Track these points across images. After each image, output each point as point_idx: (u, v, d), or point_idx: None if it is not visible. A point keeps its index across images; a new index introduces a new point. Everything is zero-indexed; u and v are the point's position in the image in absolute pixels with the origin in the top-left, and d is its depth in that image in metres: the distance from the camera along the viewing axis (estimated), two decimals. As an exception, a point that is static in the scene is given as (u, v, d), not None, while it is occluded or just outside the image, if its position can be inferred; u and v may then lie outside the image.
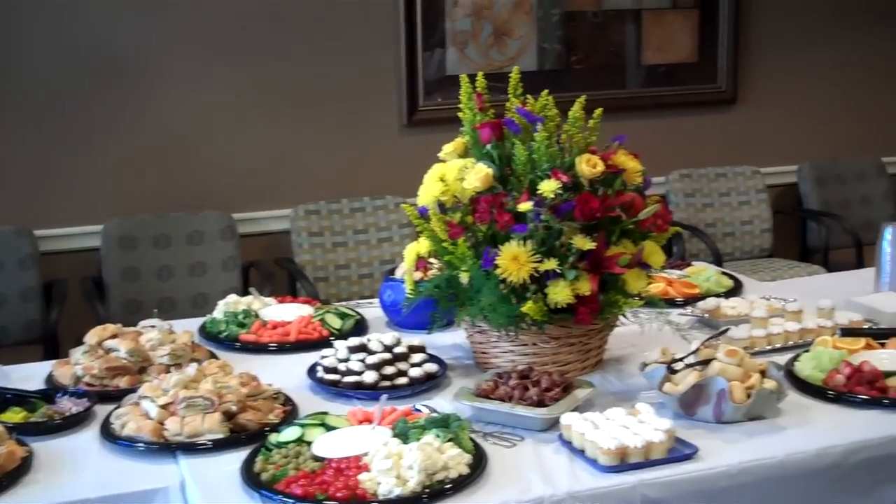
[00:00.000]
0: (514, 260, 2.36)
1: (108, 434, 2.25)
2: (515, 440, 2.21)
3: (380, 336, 2.57)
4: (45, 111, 4.30)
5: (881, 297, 3.00)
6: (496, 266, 2.36)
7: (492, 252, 2.38)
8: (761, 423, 2.26)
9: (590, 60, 5.07)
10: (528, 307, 2.36)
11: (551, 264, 2.35)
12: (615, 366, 2.62)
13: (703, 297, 3.07)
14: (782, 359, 2.55)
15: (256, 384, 2.38)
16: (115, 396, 2.41)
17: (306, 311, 2.98)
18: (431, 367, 2.53)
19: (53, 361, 2.67)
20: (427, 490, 1.96)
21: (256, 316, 2.93)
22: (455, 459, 2.03)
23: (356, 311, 3.00)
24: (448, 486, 1.98)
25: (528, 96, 2.60)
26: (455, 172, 2.51)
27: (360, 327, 2.91)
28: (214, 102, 4.52)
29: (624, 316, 2.57)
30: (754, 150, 5.40)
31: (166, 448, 2.18)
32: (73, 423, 2.32)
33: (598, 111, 2.58)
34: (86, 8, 4.28)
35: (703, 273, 3.25)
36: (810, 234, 5.38)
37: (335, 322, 2.89)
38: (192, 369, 2.40)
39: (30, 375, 2.63)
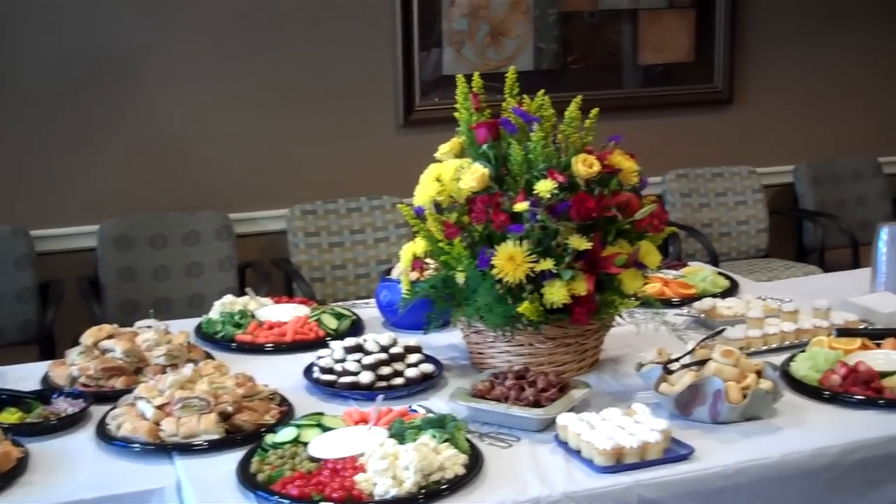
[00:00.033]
0: (510, 260, 2.36)
1: (104, 435, 2.24)
2: (511, 441, 2.21)
3: (376, 336, 2.57)
4: (42, 111, 4.29)
5: (877, 298, 3.00)
6: (492, 266, 2.36)
7: (488, 252, 2.38)
8: (757, 423, 2.27)
9: (586, 60, 5.07)
10: (524, 307, 2.36)
11: (547, 264, 2.35)
12: (611, 366, 2.62)
13: (699, 297, 3.07)
14: (778, 359, 2.55)
15: (252, 385, 2.38)
16: (111, 397, 2.41)
17: (302, 311, 2.98)
18: (428, 368, 2.52)
19: (49, 362, 2.67)
20: (423, 491, 1.96)
21: (253, 316, 2.93)
22: (451, 460, 2.03)
23: (352, 312, 3.00)
24: (444, 486, 1.98)
25: (525, 96, 2.60)
26: (451, 172, 2.51)
27: (357, 328, 2.91)
28: (211, 103, 4.51)
29: (620, 316, 2.58)
30: (751, 150, 5.40)
31: (162, 449, 2.18)
32: (68, 423, 2.32)
33: (595, 111, 2.58)
34: (83, 9, 4.28)
35: (700, 273, 3.26)
36: (806, 235, 5.39)
37: (331, 322, 2.89)
38: (188, 370, 2.39)
39: (26, 376, 2.62)
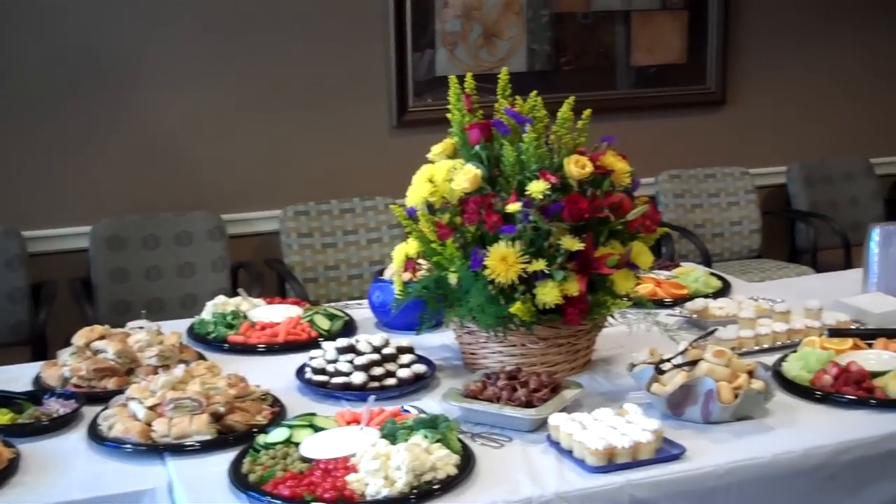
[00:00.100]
0: (502, 261, 2.36)
1: (96, 435, 2.24)
2: (503, 441, 2.21)
3: (368, 337, 2.57)
4: (35, 112, 4.29)
5: (869, 298, 3.01)
6: (485, 267, 2.36)
7: (480, 253, 2.38)
8: (749, 423, 2.27)
9: (579, 62, 5.08)
10: (516, 308, 2.36)
11: (540, 265, 2.35)
12: (603, 366, 2.62)
13: (691, 297, 3.08)
14: (770, 359, 2.56)
15: (244, 385, 2.37)
16: (103, 398, 2.41)
17: (295, 312, 2.97)
18: (420, 368, 2.53)
19: (41, 363, 2.67)
20: (415, 491, 1.96)
21: (245, 317, 2.93)
22: (443, 460, 2.03)
23: (345, 312, 3.00)
24: (436, 486, 1.98)
25: (518, 97, 2.60)
26: (444, 173, 2.51)
27: (349, 328, 2.90)
28: (203, 103, 4.51)
29: (612, 317, 2.58)
30: (743, 150, 5.41)
31: (154, 449, 2.18)
32: (60, 424, 2.31)
33: (587, 112, 2.58)
34: (75, 10, 4.27)
35: (692, 274, 3.26)
36: (799, 235, 5.40)
37: (324, 323, 2.88)
38: (179, 370, 2.39)
39: (17, 377, 2.62)
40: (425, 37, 4.78)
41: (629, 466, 2.07)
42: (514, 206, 2.38)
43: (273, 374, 2.56)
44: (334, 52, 4.66)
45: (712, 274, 3.36)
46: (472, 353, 2.59)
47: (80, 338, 2.64)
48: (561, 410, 2.24)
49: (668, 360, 2.38)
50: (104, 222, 4.32)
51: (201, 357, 2.67)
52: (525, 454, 2.15)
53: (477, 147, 2.53)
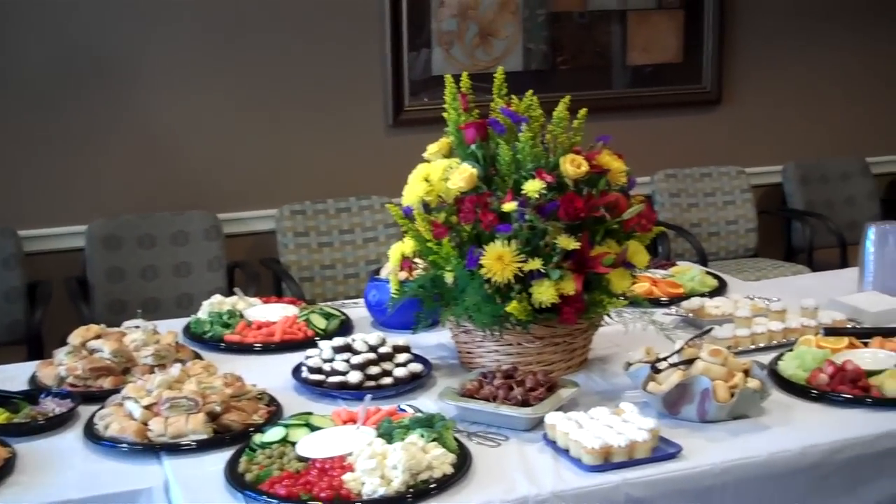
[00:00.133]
0: (498, 260, 2.36)
1: (92, 435, 2.24)
2: (500, 440, 2.21)
3: (364, 336, 2.57)
4: (30, 111, 4.28)
5: (864, 297, 3.01)
6: (481, 266, 2.36)
7: (476, 252, 2.38)
8: (745, 422, 2.27)
9: (575, 61, 5.08)
10: (512, 307, 2.36)
11: (536, 264, 2.35)
12: (599, 365, 2.62)
13: (687, 296, 3.08)
14: (766, 358, 2.56)
15: (241, 384, 2.37)
16: (99, 397, 2.41)
17: (291, 311, 2.97)
18: (416, 367, 2.53)
19: (37, 362, 2.67)
20: (411, 490, 1.96)
21: (241, 316, 2.93)
22: (439, 459, 2.03)
23: (341, 312, 3.00)
24: (432, 485, 1.98)
25: (513, 96, 2.60)
26: (439, 172, 2.51)
27: (345, 327, 2.90)
28: (200, 103, 4.51)
29: (608, 315, 2.58)
30: (739, 150, 5.41)
31: (150, 449, 2.18)
32: (56, 423, 2.31)
33: (583, 111, 2.58)
34: (72, 9, 4.27)
35: (688, 273, 3.26)
36: (795, 234, 5.40)
37: (320, 322, 2.88)
38: (175, 370, 2.39)
39: (13, 376, 2.62)
40: (421, 36, 4.78)
41: (625, 465, 2.07)
42: (509, 206, 2.38)
43: (269, 374, 2.56)
44: (330, 51, 4.66)
45: (708, 273, 3.36)
46: (469, 353, 2.59)
47: (76, 337, 2.63)
48: (557, 409, 2.24)
49: (665, 359, 2.38)
50: (100, 222, 4.31)
51: (197, 356, 2.67)
52: (521, 453, 2.15)
53: (473, 146, 2.53)
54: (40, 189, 4.34)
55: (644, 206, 2.52)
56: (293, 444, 2.12)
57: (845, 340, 2.61)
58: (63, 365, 2.53)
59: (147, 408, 2.25)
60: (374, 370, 2.47)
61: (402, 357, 2.54)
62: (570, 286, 2.37)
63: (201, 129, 4.53)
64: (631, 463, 2.08)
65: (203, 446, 2.18)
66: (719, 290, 3.21)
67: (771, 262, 5.09)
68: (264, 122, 4.61)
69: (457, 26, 4.84)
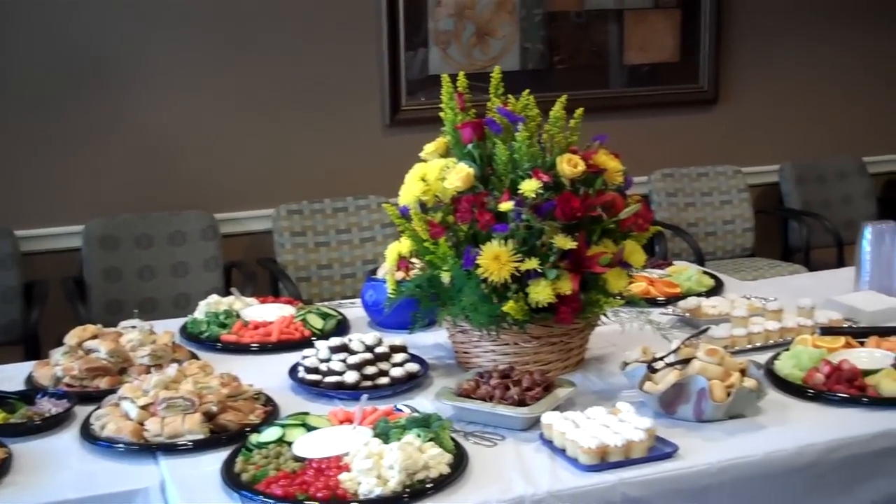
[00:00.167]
0: (495, 259, 2.36)
1: (88, 435, 2.24)
2: (496, 439, 2.21)
3: (361, 336, 2.57)
4: (27, 111, 4.28)
5: (861, 296, 3.02)
6: (477, 266, 2.36)
7: (473, 252, 2.38)
8: (741, 421, 2.27)
9: (572, 60, 5.08)
10: (509, 307, 2.36)
11: (532, 264, 2.35)
12: (596, 365, 2.62)
13: (684, 296, 3.08)
14: (762, 357, 2.56)
15: (237, 385, 2.37)
16: (96, 397, 2.41)
17: (288, 311, 2.97)
18: (413, 367, 2.53)
19: (33, 362, 2.67)
20: (408, 490, 1.96)
21: (238, 316, 2.93)
22: (436, 459, 2.03)
23: (338, 312, 3.00)
24: (429, 485, 1.98)
25: (510, 96, 2.60)
26: (436, 172, 2.51)
27: (342, 327, 2.90)
28: (196, 103, 4.50)
29: (605, 315, 2.58)
30: (736, 149, 5.42)
31: (146, 449, 2.18)
32: (52, 424, 2.31)
33: (580, 111, 2.58)
34: (71, 9, 4.26)
35: (685, 272, 3.26)
36: (792, 234, 5.41)
37: (317, 322, 2.88)
38: (172, 370, 2.39)
39: (10, 376, 2.62)
40: (418, 36, 4.78)
41: (622, 465, 2.07)
42: (506, 205, 2.38)
43: (266, 374, 2.56)
44: (327, 51, 4.65)
45: (705, 272, 3.36)
46: (465, 352, 2.59)
47: (72, 337, 2.63)
48: (554, 409, 2.24)
49: (661, 359, 2.38)
50: (97, 222, 4.31)
51: (194, 356, 2.67)
52: (518, 453, 2.15)
53: (469, 146, 2.53)
54: (37, 189, 4.33)
55: (641, 206, 2.52)
56: (290, 444, 2.12)
57: (842, 340, 2.61)
58: (59, 365, 2.52)
59: (143, 408, 2.24)
60: (370, 370, 2.47)
61: (398, 357, 2.54)
62: (567, 286, 2.37)
63: (198, 129, 4.53)
64: (627, 462, 2.08)
65: (199, 446, 2.18)
66: (716, 289, 3.21)
67: (768, 262, 5.10)
68: (261, 122, 4.61)
69: (454, 26, 4.84)
